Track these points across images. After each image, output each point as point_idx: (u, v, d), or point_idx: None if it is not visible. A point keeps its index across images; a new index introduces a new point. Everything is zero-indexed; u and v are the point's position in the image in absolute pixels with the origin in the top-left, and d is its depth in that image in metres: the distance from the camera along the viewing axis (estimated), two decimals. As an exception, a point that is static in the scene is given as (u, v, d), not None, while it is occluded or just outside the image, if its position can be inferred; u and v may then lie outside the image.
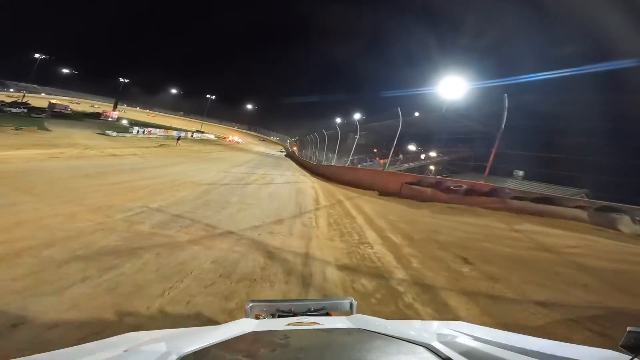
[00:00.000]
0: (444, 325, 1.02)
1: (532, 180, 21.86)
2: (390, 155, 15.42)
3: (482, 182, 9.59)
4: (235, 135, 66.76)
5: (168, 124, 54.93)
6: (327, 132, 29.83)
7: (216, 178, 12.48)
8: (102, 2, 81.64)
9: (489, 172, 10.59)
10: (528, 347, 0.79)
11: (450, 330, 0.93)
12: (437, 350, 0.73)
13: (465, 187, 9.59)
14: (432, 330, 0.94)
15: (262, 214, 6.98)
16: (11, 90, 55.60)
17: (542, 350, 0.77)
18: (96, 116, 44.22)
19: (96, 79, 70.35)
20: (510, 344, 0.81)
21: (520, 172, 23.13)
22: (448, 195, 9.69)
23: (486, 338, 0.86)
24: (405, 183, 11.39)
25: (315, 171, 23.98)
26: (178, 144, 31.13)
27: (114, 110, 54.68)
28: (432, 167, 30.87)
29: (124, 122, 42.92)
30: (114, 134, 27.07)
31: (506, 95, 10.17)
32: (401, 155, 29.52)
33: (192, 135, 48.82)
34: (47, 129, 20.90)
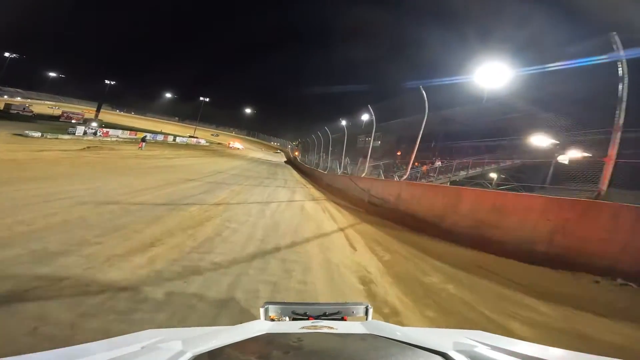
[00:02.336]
0: (461, 334, 0.91)
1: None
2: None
3: None
4: (236, 142, 58.80)
5: (159, 129, 46.93)
6: (333, 135, 19.89)
7: None
8: (102, 7, 72.90)
9: None
10: (549, 359, 0.70)
11: (468, 339, 0.83)
12: (454, 359, 0.66)
13: None
14: (449, 338, 0.82)
15: None
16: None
17: None
18: (56, 118, 36.07)
19: (90, 85, 61.73)
20: (530, 355, 0.71)
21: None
22: None
23: (505, 348, 0.75)
24: None
25: (329, 186, 13.85)
26: (140, 147, 21.69)
27: (97, 114, 47.19)
28: (492, 175, 20.22)
29: (94, 124, 34.68)
30: (37, 134, 18.50)
31: None
32: (439, 162, 19.10)
33: (174, 140, 39.72)
34: None
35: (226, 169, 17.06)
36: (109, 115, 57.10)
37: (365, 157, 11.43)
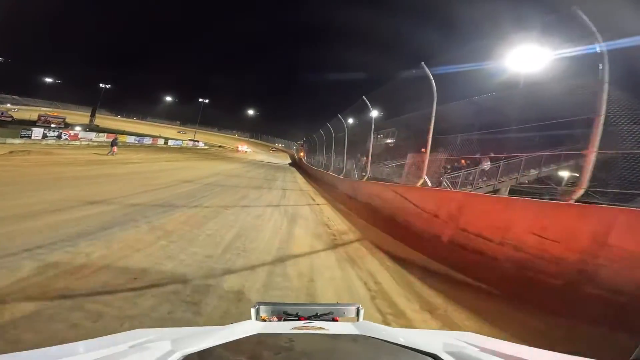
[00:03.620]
0: (451, 335, 0.91)
1: None
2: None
3: None
4: (244, 145, 56.74)
5: (158, 133, 44.74)
6: (340, 133, 14.90)
7: None
8: (101, 9, 69.67)
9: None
10: None
11: (458, 341, 0.82)
12: None
13: None
14: (440, 340, 0.82)
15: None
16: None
17: None
18: (34, 122, 32.65)
19: (88, 91, 58.66)
20: (520, 357, 0.70)
21: None
22: None
23: (495, 350, 0.74)
24: None
25: (352, 200, 8.81)
26: (113, 151, 16.80)
27: (91, 119, 45.57)
28: (564, 175, 14.46)
29: (77, 128, 30.58)
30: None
31: None
32: (487, 164, 13.46)
33: (165, 143, 35.69)
34: None
35: (203, 176, 12.11)
36: (108, 120, 53.91)
37: (423, 151, 6.14)
